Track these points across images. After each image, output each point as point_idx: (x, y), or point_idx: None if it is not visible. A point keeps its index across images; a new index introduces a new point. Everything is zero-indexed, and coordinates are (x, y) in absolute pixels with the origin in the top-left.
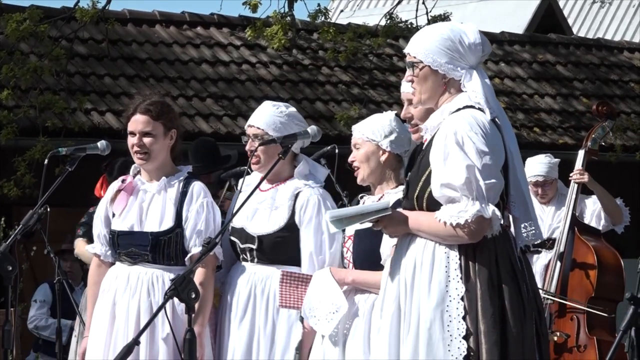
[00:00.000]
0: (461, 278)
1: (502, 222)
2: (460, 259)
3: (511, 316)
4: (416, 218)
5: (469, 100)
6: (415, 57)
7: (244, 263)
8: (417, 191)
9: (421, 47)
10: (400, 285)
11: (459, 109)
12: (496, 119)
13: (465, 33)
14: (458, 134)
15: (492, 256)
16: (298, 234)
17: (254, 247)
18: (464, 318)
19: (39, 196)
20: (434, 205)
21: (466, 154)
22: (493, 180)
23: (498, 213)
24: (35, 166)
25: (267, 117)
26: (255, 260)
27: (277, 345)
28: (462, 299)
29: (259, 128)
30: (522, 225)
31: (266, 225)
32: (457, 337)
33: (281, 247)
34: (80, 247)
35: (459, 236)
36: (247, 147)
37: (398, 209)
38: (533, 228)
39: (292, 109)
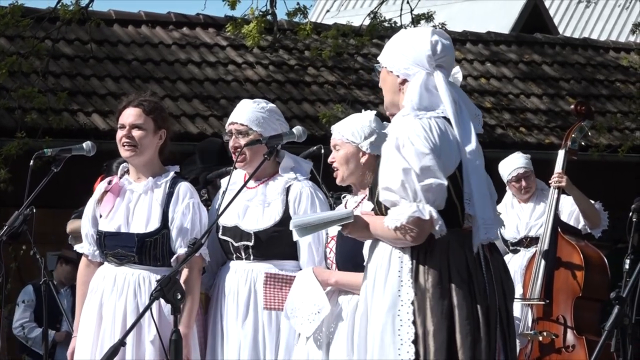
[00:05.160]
0: (412, 282)
1: (441, 223)
2: (412, 262)
3: (459, 317)
4: (374, 222)
5: None
6: (378, 61)
7: (237, 262)
8: (377, 195)
9: (384, 52)
10: (368, 288)
11: (407, 114)
12: (450, 120)
13: (418, 36)
14: (399, 138)
15: (443, 258)
16: None
17: (251, 244)
18: (413, 322)
19: (13, 192)
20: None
21: (404, 157)
22: (432, 181)
23: (435, 214)
24: (11, 162)
25: (249, 113)
26: (251, 257)
27: (282, 342)
28: (412, 303)
29: (242, 124)
30: (479, 224)
31: (261, 221)
32: (407, 341)
33: (277, 242)
34: (72, 224)
35: (402, 239)
36: (230, 144)
37: (361, 214)
38: (490, 226)
39: (272, 105)
